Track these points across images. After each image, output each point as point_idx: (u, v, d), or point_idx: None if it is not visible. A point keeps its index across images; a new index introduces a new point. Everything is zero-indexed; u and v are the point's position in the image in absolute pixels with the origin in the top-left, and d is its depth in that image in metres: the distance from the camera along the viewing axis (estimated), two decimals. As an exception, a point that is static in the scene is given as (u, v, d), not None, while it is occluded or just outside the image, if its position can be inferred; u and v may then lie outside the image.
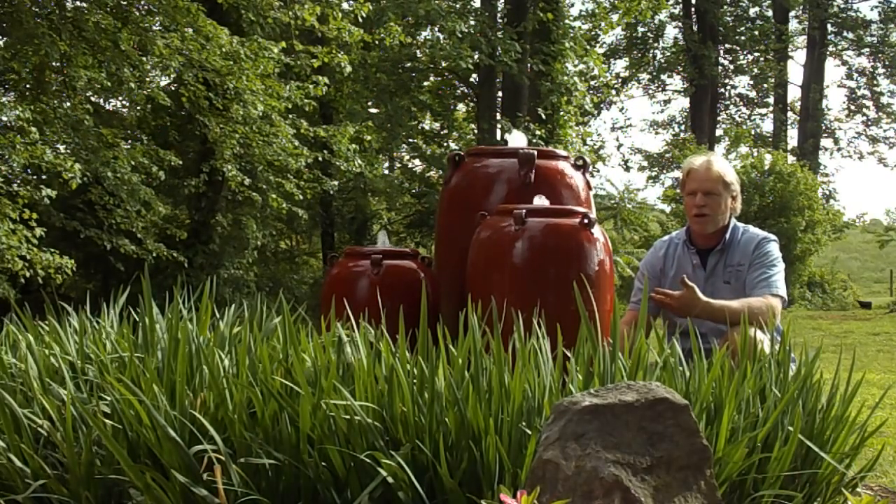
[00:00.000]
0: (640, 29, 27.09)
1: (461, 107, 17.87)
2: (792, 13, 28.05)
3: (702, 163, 3.73)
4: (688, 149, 19.20)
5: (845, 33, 27.89)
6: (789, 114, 28.19)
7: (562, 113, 14.48)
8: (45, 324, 2.95)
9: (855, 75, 28.52)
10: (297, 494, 2.20)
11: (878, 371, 6.82)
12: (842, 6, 27.67)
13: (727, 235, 3.70)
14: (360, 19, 9.29)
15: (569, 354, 2.43)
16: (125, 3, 8.09)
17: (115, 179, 8.19)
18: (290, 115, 9.57)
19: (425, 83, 16.67)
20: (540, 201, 3.08)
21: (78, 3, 7.97)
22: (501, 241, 2.99)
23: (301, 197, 10.66)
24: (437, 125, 17.60)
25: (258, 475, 2.20)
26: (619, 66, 28.93)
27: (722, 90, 28.51)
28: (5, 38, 8.15)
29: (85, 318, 2.84)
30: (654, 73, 28.62)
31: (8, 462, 2.33)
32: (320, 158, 10.84)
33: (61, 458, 2.32)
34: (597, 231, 3.03)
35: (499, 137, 14.85)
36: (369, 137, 11.92)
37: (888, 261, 27.61)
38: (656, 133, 34.27)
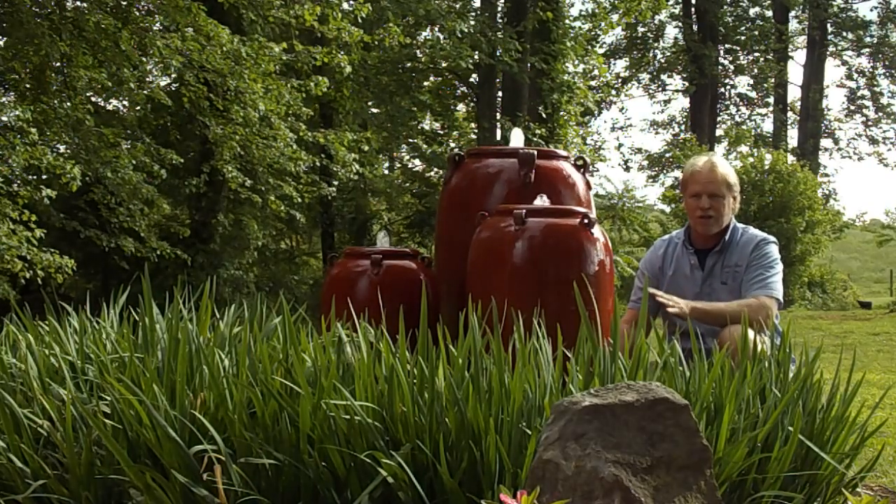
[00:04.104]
0: (640, 29, 27.05)
1: (461, 107, 17.88)
2: (792, 13, 28.03)
3: (705, 164, 3.73)
4: (689, 149, 19.19)
5: (845, 33, 27.87)
6: (789, 114, 28.17)
7: (562, 113, 14.47)
8: (45, 324, 2.95)
9: (855, 75, 28.52)
10: (297, 494, 2.20)
11: (878, 371, 6.82)
12: (841, 6, 27.66)
13: (726, 236, 3.70)
14: (360, 20, 9.29)
15: (569, 354, 2.43)
16: (125, 3, 8.08)
17: (117, 179, 8.20)
18: (290, 118, 9.58)
19: (425, 83, 16.67)
20: (542, 201, 3.08)
21: (78, 3, 7.97)
22: (501, 241, 2.99)
23: (300, 200, 10.67)
24: (437, 125, 17.60)
25: (258, 475, 2.20)
26: (619, 66, 28.94)
27: (722, 90, 28.48)
28: (6, 38, 8.15)
29: (85, 318, 2.84)
30: (654, 73, 28.59)
31: (8, 462, 2.33)
32: (318, 163, 10.85)
33: (61, 458, 2.32)
34: (597, 231, 3.03)
35: (499, 137, 14.85)
36: (367, 148, 11.92)
37: (888, 261, 27.59)
38: (656, 133, 34.31)
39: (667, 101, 37.25)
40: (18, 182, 7.57)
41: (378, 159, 15.73)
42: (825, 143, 28.31)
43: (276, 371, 2.32)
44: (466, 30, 13.67)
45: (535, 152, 3.24)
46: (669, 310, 3.37)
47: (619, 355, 2.42)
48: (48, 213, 8.98)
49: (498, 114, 15.56)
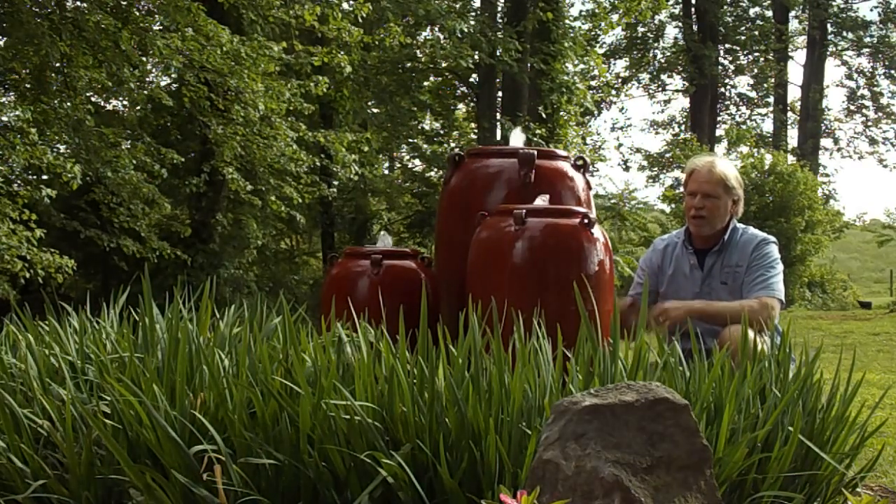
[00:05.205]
0: (640, 29, 27.05)
1: (461, 107, 17.88)
2: (792, 13, 28.04)
3: (704, 164, 3.72)
4: (689, 149, 19.19)
5: (845, 33, 27.88)
6: (789, 114, 28.17)
7: (562, 113, 14.48)
8: (45, 324, 2.95)
9: (855, 75, 28.53)
10: (297, 494, 2.20)
11: (878, 371, 6.82)
12: (842, 6, 27.67)
13: (726, 236, 3.69)
14: (360, 20, 9.29)
15: (569, 354, 2.43)
16: (125, 3, 8.09)
17: (117, 179, 8.20)
18: (290, 118, 9.58)
19: (425, 83, 16.68)
20: (542, 201, 3.08)
21: (78, 4, 7.97)
22: (501, 241, 2.99)
23: (300, 201, 10.67)
24: (437, 125, 17.60)
25: (258, 475, 2.20)
26: (619, 66, 28.94)
27: (722, 90, 28.48)
28: (6, 38, 8.15)
29: (85, 318, 2.84)
30: (654, 73, 28.59)
31: (8, 462, 2.33)
32: (318, 163, 10.84)
33: (61, 458, 2.32)
34: (597, 231, 3.03)
35: (499, 137, 14.85)
36: (366, 149, 11.91)
37: (888, 261, 27.59)
38: (656, 133, 34.18)
39: (667, 101, 37.34)
40: (19, 182, 7.58)
41: (378, 159, 15.73)
42: (825, 143, 28.34)
43: (276, 371, 2.32)
44: (466, 30, 13.68)
45: (535, 152, 3.24)
46: (666, 317, 3.38)
47: (619, 356, 2.42)
48: (48, 213, 8.98)
49: (498, 114, 15.56)
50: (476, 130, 16.33)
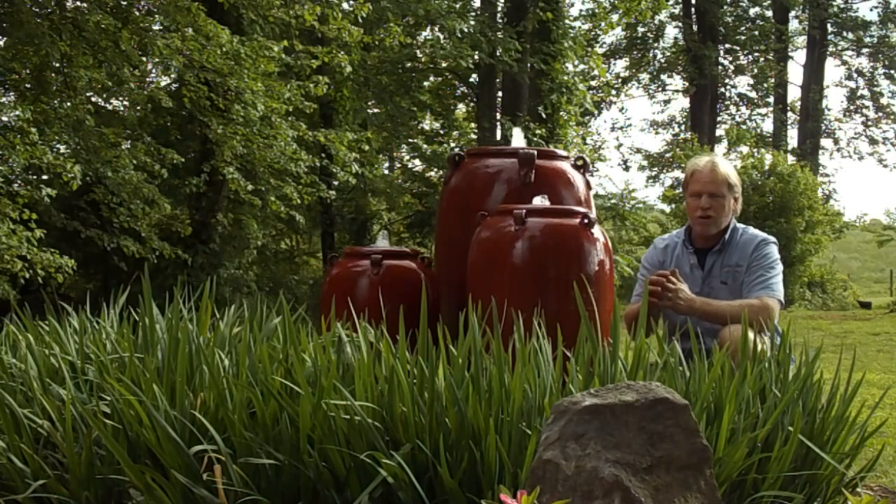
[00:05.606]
0: (640, 29, 27.04)
1: (461, 107, 17.88)
2: (792, 13, 28.04)
3: (706, 164, 3.73)
4: (690, 149, 19.18)
5: (845, 33, 27.88)
6: (789, 114, 28.17)
7: (562, 113, 14.48)
8: (45, 324, 2.95)
9: (855, 75, 28.53)
10: (297, 494, 2.20)
11: (878, 371, 6.81)
12: (841, 6, 27.67)
13: (726, 236, 3.70)
14: (360, 20, 9.30)
15: (569, 354, 2.43)
16: (125, 3, 8.09)
17: (117, 179, 8.20)
18: (290, 118, 9.58)
19: (425, 83, 16.68)
20: (541, 201, 3.08)
21: (78, 4, 7.98)
22: (501, 241, 2.99)
23: (299, 201, 10.68)
24: (437, 125, 17.61)
25: (258, 475, 2.20)
26: (619, 66, 28.93)
27: (722, 90, 28.48)
28: (6, 38, 8.15)
29: (85, 318, 2.84)
30: (654, 73, 28.59)
31: (8, 462, 2.33)
32: (318, 164, 10.83)
33: (61, 458, 2.32)
34: (597, 231, 3.03)
35: (499, 137, 14.85)
36: (367, 148, 11.91)
37: (888, 261, 27.58)
38: (656, 133, 34.14)
39: (667, 101, 37.22)
40: (19, 182, 7.58)
41: (378, 159, 15.73)
42: (825, 143, 28.35)
43: (276, 371, 2.32)
44: (466, 30, 13.68)
45: (535, 152, 3.24)
46: (675, 303, 3.40)
47: (619, 356, 2.42)
48: (48, 213, 8.98)
49: (498, 114, 15.56)
50: (476, 130, 16.33)
